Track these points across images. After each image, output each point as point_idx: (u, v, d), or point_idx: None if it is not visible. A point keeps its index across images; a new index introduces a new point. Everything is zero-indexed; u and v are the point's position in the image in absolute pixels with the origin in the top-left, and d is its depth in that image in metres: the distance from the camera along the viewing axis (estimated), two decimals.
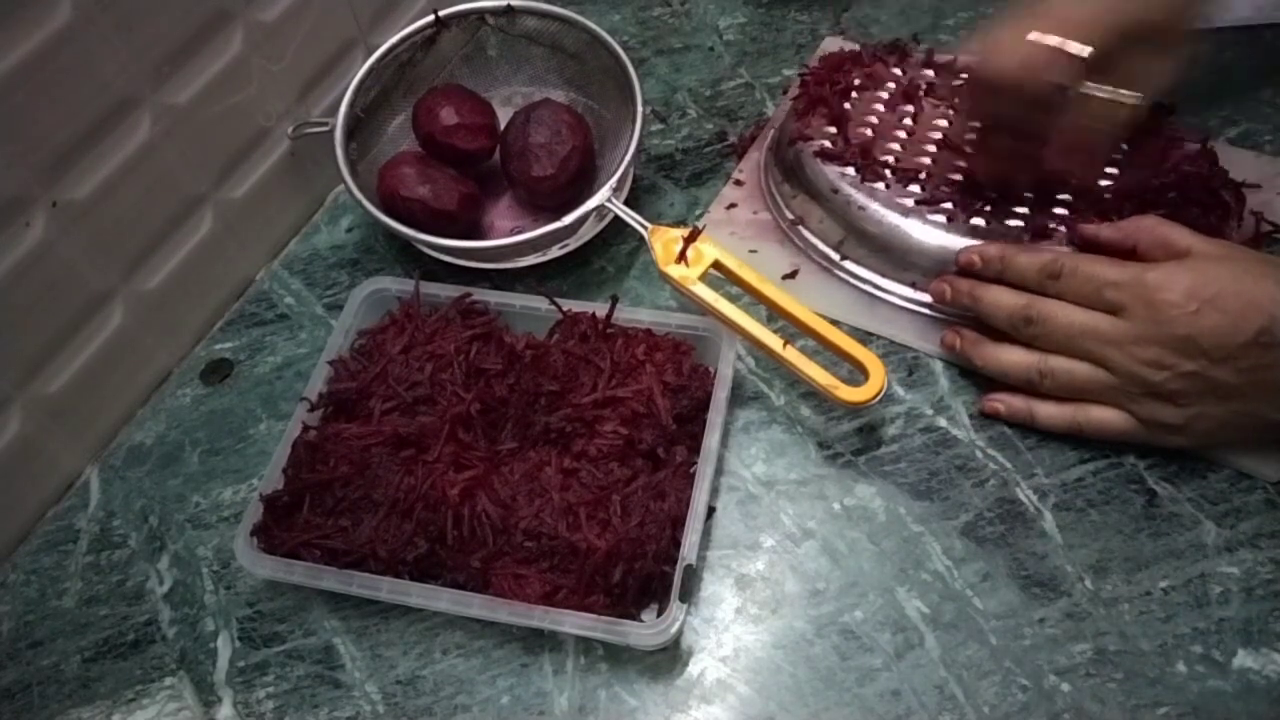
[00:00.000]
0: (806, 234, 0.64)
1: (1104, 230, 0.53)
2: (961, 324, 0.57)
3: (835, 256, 0.62)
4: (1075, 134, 0.55)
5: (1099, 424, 0.52)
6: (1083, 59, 0.50)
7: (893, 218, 0.59)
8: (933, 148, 0.62)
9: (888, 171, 0.60)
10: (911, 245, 0.58)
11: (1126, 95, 0.53)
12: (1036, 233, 0.57)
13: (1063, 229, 0.57)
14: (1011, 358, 0.54)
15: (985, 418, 0.56)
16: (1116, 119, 0.54)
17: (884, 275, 0.60)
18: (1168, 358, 0.48)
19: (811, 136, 0.63)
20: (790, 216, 0.65)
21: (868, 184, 0.60)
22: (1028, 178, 0.58)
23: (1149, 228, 0.52)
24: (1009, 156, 0.57)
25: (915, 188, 0.60)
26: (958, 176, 0.60)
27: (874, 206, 0.59)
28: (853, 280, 0.62)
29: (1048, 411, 0.53)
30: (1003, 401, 0.55)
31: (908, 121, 0.64)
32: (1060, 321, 0.51)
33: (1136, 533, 0.51)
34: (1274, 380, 0.47)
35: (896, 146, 0.62)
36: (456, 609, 0.48)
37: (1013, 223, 0.58)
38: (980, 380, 0.57)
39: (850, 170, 0.61)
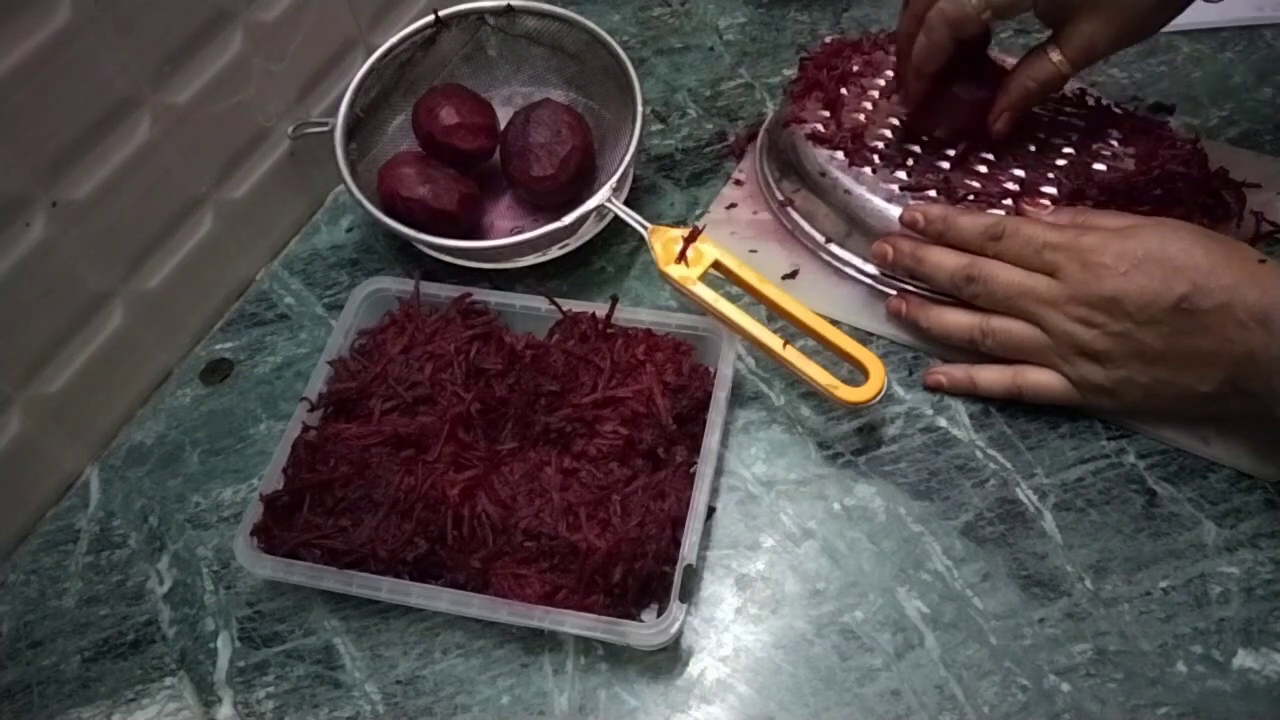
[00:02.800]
0: (795, 216, 0.64)
1: (1043, 216, 0.55)
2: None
3: (821, 239, 0.62)
4: (1004, 91, 0.57)
5: (1035, 386, 0.54)
6: (984, 5, 0.52)
7: (878, 202, 0.59)
8: (924, 135, 0.62)
9: (876, 157, 0.61)
10: (895, 230, 0.58)
11: (1053, 54, 0.54)
12: None
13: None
14: (954, 318, 0.55)
15: (981, 415, 0.56)
16: (1036, 76, 0.55)
17: (869, 260, 0.61)
18: (1097, 316, 0.50)
19: (805, 120, 0.64)
20: (780, 198, 0.65)
21: (855, 168, 0.61)
22: (944, 125, 0.60)
23: (1084, 220, 0.53)
24: (926, 97, 0.59)
25: (902, 174, 0.60)
26: (945, 164, 0.60)
27: (860, 190, 0.60)
28: (840, 265, 0.62)
29: (988, 377, 0.55)
30: (944, 374, 0.56)
31: (902, 109, 0.64)
32: (1000, 280, 0.53)
33: (1136, 533, 0.51)
34: (1194, 348, 0.48)
35: (888, 133, 0.62)
36: (456, 609, 0.48)
37: (995, 212, 0.58)
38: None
39: (839, 154, 0.61)
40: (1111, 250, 0.49)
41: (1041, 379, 0.53)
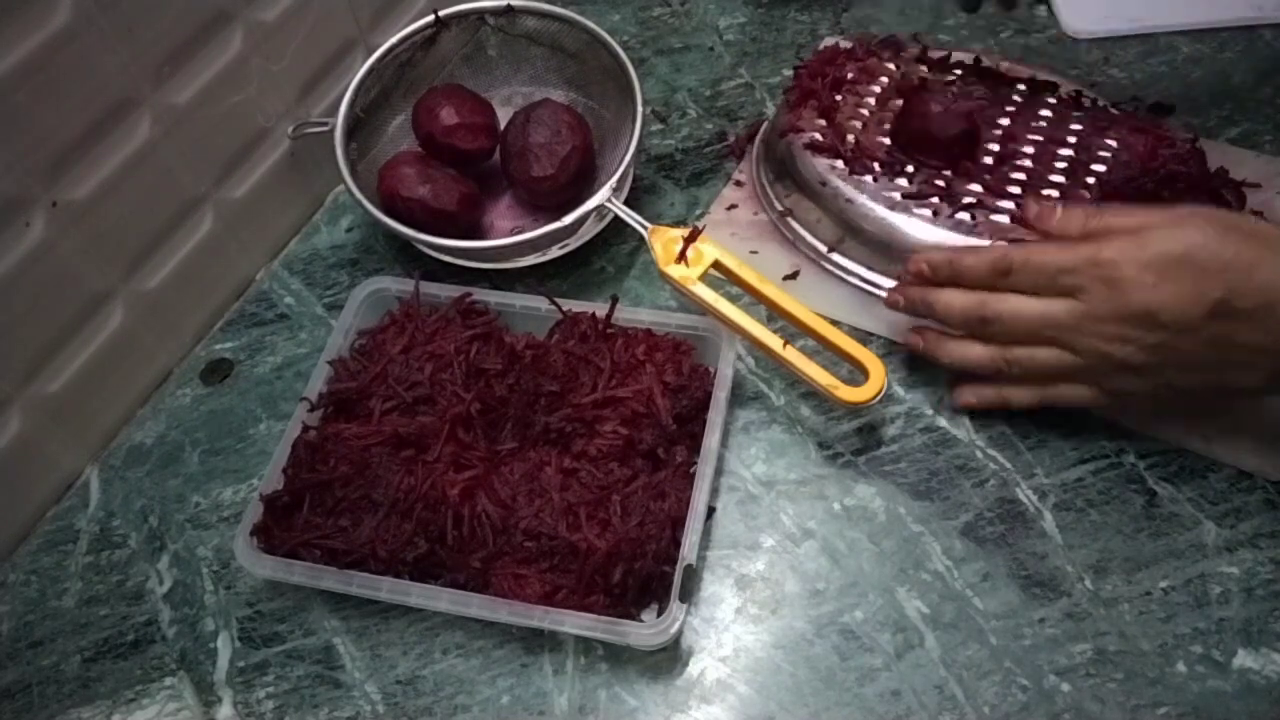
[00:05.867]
0: (795, 226, 0.64)
1: (1054, 221, 0.52)
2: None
3: (823, 249, 0.62)
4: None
5: (1069, 400, 0.52)
6: None
7: (880, 210, 0.59)
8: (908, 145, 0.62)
9: (876, 165, 0.61)
10: (897, 238, 0.58)
11: None
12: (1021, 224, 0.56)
13: None
14: (974, 352, 0.53)
15: (981, 415, 0.56)
16: None
17: (872, 269, 0.61)
18: (1130, 332, 0.48)
19: (803, 129, 0.63)
20: (780, 208, 0.65)
21: (856, 176, 0.60)
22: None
23: (1096, 224, 0.51)
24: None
25: (903, 181, 0.60)
26: (947, 171, 0.60)
27: (861, 199, 0.60)
28: (841, 273, 0.62)
29: (1019, 396, 0.54)
30: (974, 393, 0.55)
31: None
32: (1019, 315, 0.51)
33: (1136, 533, 0.51)
34: (1237, 347, 0.46)
35: (886, 140, 0.62)
36: (456, 609, 0.48)
37: (997, 217, 0.58)
38: (979, 380, 0.57)
39: (839, 163, 0.61)
40: (1132, 262, 0.47)
41: (1074, 393, 0.52)
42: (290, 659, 0.50)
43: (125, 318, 0.57)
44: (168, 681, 0.50)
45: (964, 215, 0.58)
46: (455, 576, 0.50)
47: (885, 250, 0.59)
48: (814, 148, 0.62)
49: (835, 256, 0.62)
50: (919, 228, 0.58)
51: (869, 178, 0.60)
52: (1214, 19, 0.74)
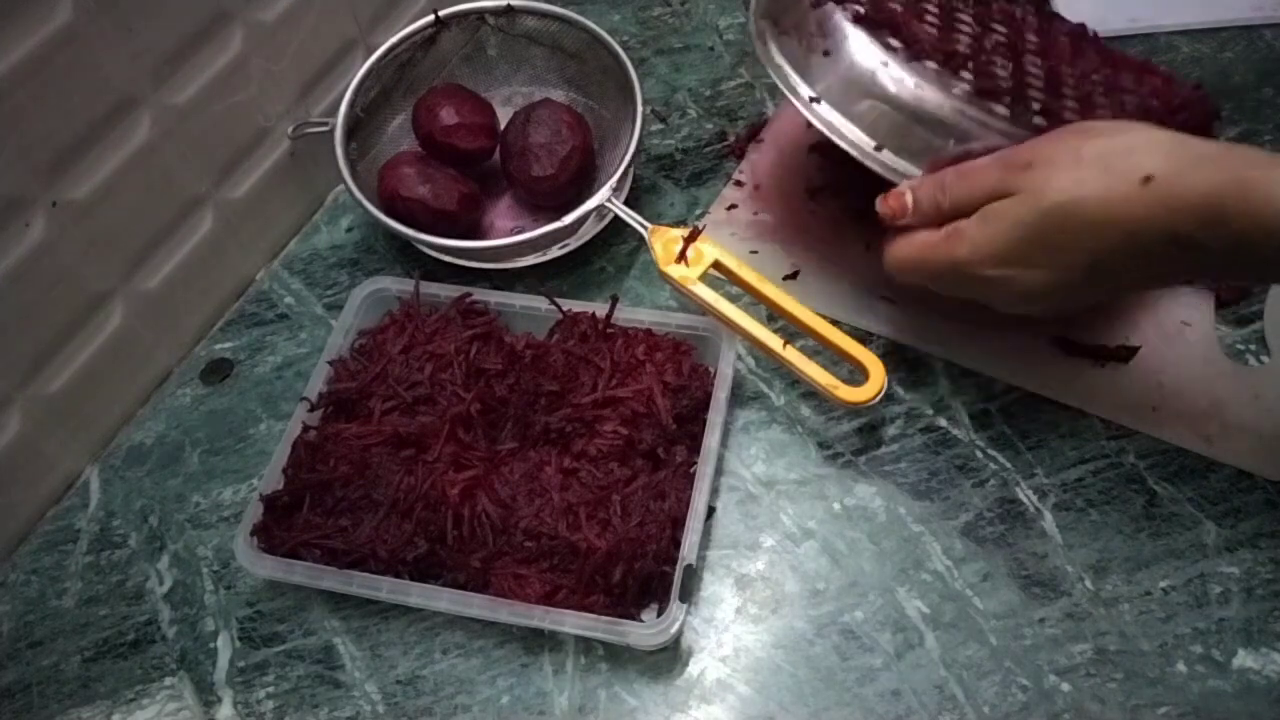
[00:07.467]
0: (828, 115, 0.53)
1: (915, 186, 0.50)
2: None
3: (869, 145, 0.53)
4: None
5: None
6: None
7: (934, 99, 0.50)
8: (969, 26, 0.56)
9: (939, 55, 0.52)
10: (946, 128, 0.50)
11: None
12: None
13: None
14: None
15: (981, 415, 0.56)
16: None
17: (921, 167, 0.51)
18: (1020, 307, 0.48)
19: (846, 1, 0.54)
20: (806, 95, 0.54)
21: (916, 63, 0.51)
22: None
23: (940, 198, 0.49)
24: None
25: (966, 74, 0.51)
26: (1002, 72, 0.53)
27: (927, 88, 0.51)
28: (892, 175, 0.52)
29: None
30: None
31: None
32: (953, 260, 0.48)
33: (1136, 533, 0.51)
34: (1131, 283, 0.47)
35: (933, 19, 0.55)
36: (456, 609, 0.48)
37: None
38: (981, 380, 0.57)
39: (894, 40, 0.52)
40: (985, 261, 0.46)
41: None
42: (290, 659, 0.50)
43: (125, 318, 0.57)
44: (168, 681, 0.50)
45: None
46: (455, 576, 0.50)
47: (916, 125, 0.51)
48: (860, 20, 0.53)
49: (885, 156, 0.52)
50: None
51: (930, 63, 0.51)
52: (1214, 19, 0.74)
